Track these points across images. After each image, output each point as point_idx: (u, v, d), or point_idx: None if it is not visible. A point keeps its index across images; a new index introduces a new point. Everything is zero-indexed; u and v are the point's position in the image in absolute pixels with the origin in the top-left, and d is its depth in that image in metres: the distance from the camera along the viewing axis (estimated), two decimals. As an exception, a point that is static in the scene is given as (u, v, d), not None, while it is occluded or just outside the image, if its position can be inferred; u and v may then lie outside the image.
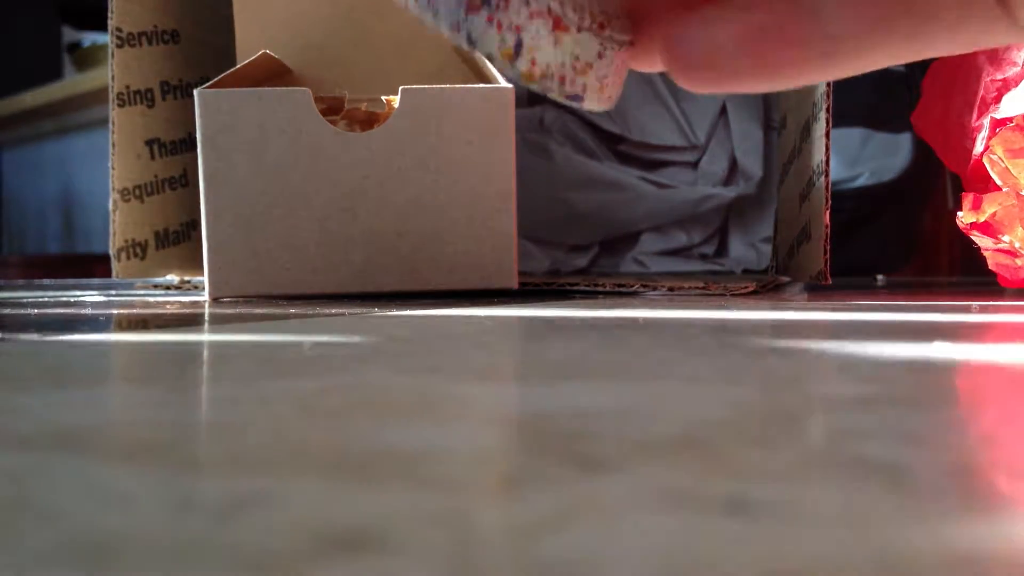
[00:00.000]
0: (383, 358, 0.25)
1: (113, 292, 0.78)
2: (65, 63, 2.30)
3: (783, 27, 0.24)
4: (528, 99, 0.93)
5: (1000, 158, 0.64)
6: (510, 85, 0.64)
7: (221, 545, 0.10)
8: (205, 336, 0.38)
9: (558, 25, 0.20)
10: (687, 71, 0.24)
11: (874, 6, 0.24)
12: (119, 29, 0.77)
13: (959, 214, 0.67)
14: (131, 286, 0.87)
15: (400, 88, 0.63)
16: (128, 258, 0.80)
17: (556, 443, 0.14)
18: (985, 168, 0.66)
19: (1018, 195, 0.64)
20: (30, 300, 0.66)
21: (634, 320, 0.44)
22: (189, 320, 0.46)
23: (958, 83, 0.72)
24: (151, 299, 0.66)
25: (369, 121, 0.64)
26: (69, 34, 2.31)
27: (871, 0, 0.25)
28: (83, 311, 0.53)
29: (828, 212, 0.69)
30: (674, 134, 0.92)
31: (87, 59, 2.08)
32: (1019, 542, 0.10)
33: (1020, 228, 0.65)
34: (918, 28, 0.23)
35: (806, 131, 0.75)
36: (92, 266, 1.65)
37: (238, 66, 0.67)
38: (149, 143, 0.80)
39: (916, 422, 0.17)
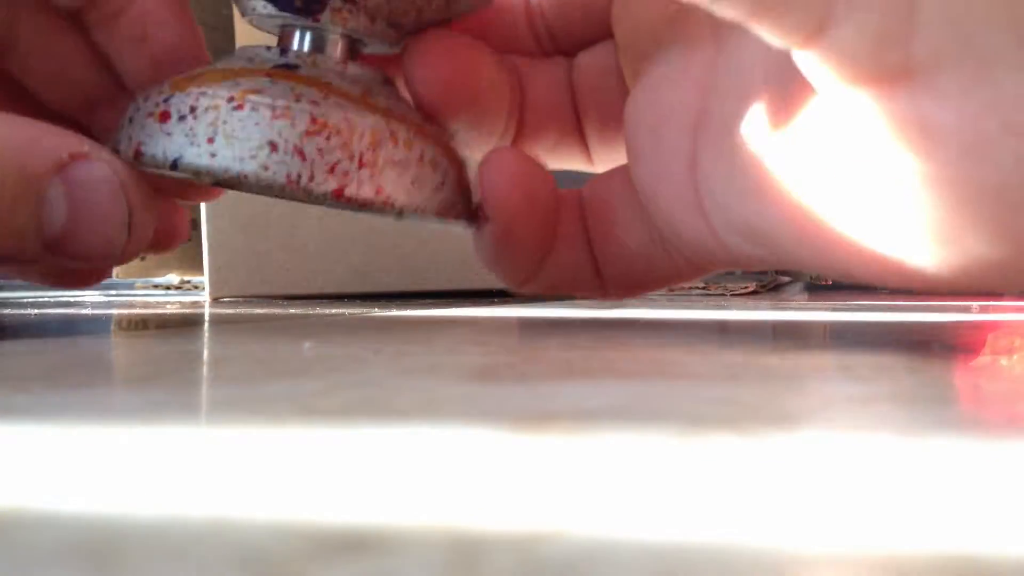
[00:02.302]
0: (383, 358, 0.26)
1: (113, 292, 0.78)
2: (65, 63, 2.29)
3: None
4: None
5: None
6: (510, 85, 0.64)
7: (221, 545, 0.10)
8: (205, 336, 0.38)
9: None
10: None
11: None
12: (119, 29, 0.77)
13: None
14: (131, 286, 0.87)
15: (400, 88, 0.62)
16: (128, 258, 0.80)
17: (556, 442, 0.14)
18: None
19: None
20: (30, 300, 0.66)
21: (634, 320, 0.44)
22: (189, 320, 0.46)
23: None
24: (151, 299, 0.66)
25: (369, 121, 0.64)
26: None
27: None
28: (83, 311, 0.53)
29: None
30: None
31: (87, 59, 2.07)
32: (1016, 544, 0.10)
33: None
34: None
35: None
36: (92, 266, 1.65)
37: (238, 66, 0.67)
38: (149, 143, 0.80)
39: (914, 421, 0.17)
